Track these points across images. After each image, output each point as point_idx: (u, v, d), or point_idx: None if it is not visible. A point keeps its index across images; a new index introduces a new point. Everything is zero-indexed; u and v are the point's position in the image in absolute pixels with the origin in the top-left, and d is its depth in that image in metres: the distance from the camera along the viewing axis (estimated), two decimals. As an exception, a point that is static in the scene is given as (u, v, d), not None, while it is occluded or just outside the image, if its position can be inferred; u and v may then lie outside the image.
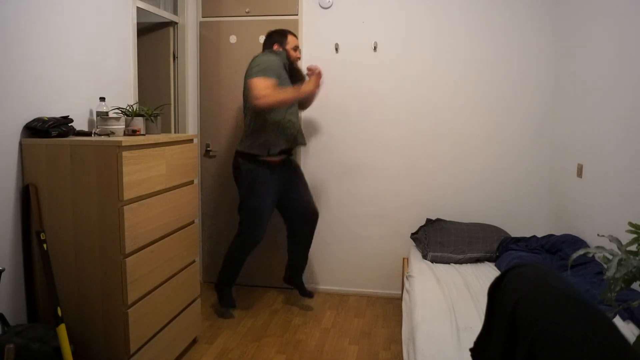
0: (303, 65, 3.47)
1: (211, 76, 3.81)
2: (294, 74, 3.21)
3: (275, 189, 3.21)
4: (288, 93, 3.02)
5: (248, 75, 3.05)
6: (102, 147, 2.05)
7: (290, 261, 3.49)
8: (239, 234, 3.24)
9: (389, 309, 3.54)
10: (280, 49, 3.18)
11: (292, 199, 3.32)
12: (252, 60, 3.10)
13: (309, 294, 3.50)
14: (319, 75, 3.09)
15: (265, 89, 2.91)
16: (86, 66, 2.51)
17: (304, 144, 3.34)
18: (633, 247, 1.35)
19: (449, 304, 2.38)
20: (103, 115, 2.39)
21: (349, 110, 3.66)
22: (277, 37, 3.20)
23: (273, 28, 3.67)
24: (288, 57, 3.19)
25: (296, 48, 3.23)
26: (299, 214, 3.34)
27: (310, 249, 3.57)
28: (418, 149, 3.62)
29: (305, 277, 3.68)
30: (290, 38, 3.21)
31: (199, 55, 3.80)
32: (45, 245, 2.07)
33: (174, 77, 3.64)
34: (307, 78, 3.19)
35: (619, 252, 1.32)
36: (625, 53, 2.41)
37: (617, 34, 2.51)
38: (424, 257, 3.20)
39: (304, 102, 3.38)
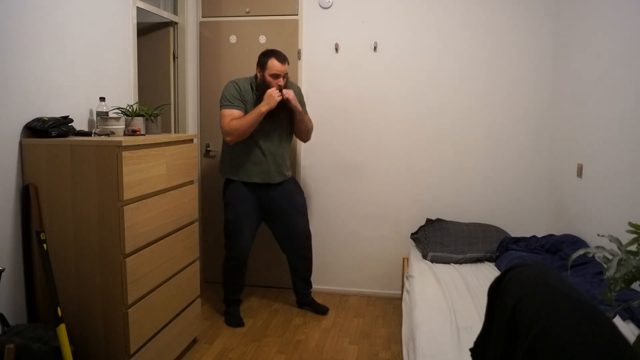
0: (305, 88, 3.52)
1: (211, 76, 3.81)
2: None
3: (250, 204, 3.18)
4: (248, 117, 2.99)
5: (219, 105, 3.12)
6: (102, 147, 2.05)
7: (294, 285, 3.49)
8: (225, 247, 3.25)
9: (389, 309, 3.54)
10: (260, 74, 3.08)
11: (281, 224, 3.29)
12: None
13: (323, 311, 3.43)
14: (282, 95, 2.99)
15: (228, 124, 2.99)
16: (86, 66, 2.51)
17: (275, 181, 3.18)
18: (633, 247, 1.35)
19: (449, 304, 2.38)
20: (103, 115, 2.39)
21: (348, 110, 3.66)
22: (260, 59, 3.08)
23: (272, 28, 3.68)
24: (264, 82, 3.04)
25: (277, 76, 3.02)
26: (289, 239, 3.32)
27: (311, 249, 3.54)
28: (418, 148, 3.62)
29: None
30: (271, 64, 3.01)
31: (199, 55, 3.80)
32: (45, 245, 2.07)
33: (174, 77, 3.64)
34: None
35: (619, 252, 1.32)
36: (625, 52, 2.41)
37: (617, 33, 2.51)
38: (424, 257, 3.20)
39: (298, 131, 3.26)
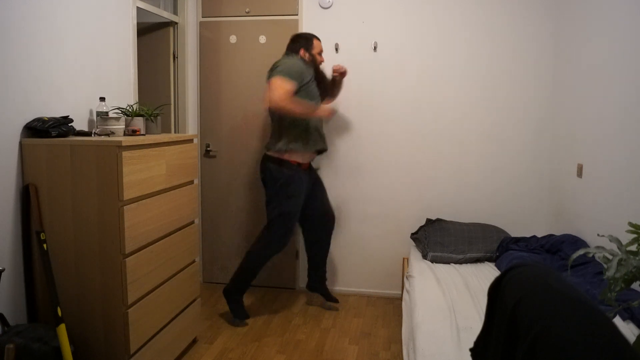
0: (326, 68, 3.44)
1: (211, 76, 3.81)
2: (319, 79, 3.25)
3: (304, 194, 3.21)
4: (302, 106, 3.01)
5: (270, 75, 3.05)
6: (102, 147, 2.05)
7: (311, 269, 3.50)
8: (267, 236, 3.17)
9: (389, 309, 3.54)
10: (306, 54, 3.18)
11: (313, 206, 3.33)
12: (276, 62, 3.10)
13: (334, 299, 3.53)
14: (342, 74, 3.30)
15: (280, 90, 2.91)
16: (86, 66, 2.51)
17: (326, 149, 3.33)
18: (633, 247, 1.35)
19: (449, 304, 2.38)
20: (103, 115, 2.39)
21: (348, 110, 3.66)
22: (303, 42, 3.20)
23: (272, 28, 3.68)
24: (314, 61, 3.20)
25: (321, 52, 3.25)
26: (319, 220, 3.36)
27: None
28: (418, 148, 3.62)
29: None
30: (315, 42, 3.22)
31: (199, 55, 3.80)
32: (45, 245, 2.07)
33: (174, 77, 3.64)
34: (330, 78, 3.33)
35: (619, 252, 1.32)
36: (625, 52, 2.41)
37: (617, 33, 2.51)
38: (424, 257, 3.20)
39: (333, 94, 3.43)
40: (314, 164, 3.38)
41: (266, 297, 3.68)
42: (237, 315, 3.21)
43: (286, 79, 2.95)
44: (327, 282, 3.56)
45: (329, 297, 3.52)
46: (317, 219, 3.37)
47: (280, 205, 3.12)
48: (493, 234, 3.27)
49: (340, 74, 3.32)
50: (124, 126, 2.40)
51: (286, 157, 3.10)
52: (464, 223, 3.42)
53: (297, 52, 3.19)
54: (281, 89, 2.92)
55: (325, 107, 3.19)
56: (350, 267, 3.80)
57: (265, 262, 3.21)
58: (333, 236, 3.73)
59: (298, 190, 3.14)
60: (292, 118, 3.05)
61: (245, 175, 3.84)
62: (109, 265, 2.09)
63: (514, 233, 3.43)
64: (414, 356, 2.04)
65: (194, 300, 2.83)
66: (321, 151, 3.28)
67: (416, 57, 3.56)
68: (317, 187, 3.36)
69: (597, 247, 1.38)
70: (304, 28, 3.64)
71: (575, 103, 3.05)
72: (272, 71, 3.04)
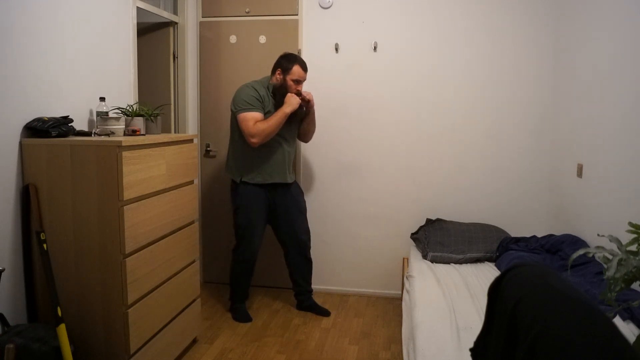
0: (305, 87, 3.35)
1: (211, 76, 3.81)
2: (278, 103, 3.14)
3: (261, 207, 3.20)
4: (273, 119, 3.02)
5: (234, 109, 3.10)
6: (102, 147, 2.05)
7: (297, 287, 3.46)
8: (235, 249, 3.32)
9: (389, 309, 3.53)
10: (279, 77, 3.11)
11: (283, 224, 3.31)
12: (237, 90, 3.15)
13: (325, 313, 3.42)
14: (303, 98, 3.13)
15: (254, 126, 2.99)
16: (86, 66, 2.51)
17: (289, 181, 3.24)
18: (633, 247, 1.35)
19: (449, 304, 2.38)
20: (103, 115, 2.39)
21: (348, 110, 3.66)
22: (283, 64, 3.12)
23: (272, 28, 3.69)
24: (284, 85, 3.11)
25: (299, 82, 3.13)
26: (289, 241, 3.35)
27: (311, 249, 3.53)
28: (418, 148, 3.62)
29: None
30: (295, 69, 3.09)
31: (199, 55, 3.80)
32: (45, 245, 2.07)
33: (174, 77, 3.64)
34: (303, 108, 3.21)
35: (619, 252, 1.32)
36: (625, 52, 2.41)
37: (617, 33, 2.51)
38: (424, 257, 3.20)
39: (307, 132, 3.35)
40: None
41: (266, 297, 3.68)
42: (238, 318, 3.29)
43: (248, 112, 3.02)
44: (314, 292, 3.54)
45: (319, 312, 3.42)
46: (294, 238, 3.33)
47: (235, 219, 3.27)
48: (493, 234, 3.27)
49: (296, 95, 3.11)
50: (124, 126, 2.40)
51: (242, 179, 3.18)
52: (464, 223, 3.42)
53: (274, 71, 3.16)
54: (253, 126, 2.99)
55: (291, 100, 3.06)
56: (350, 267, 3.80)
57: (245, 274, 3.32)
58: (333, 236, 3.74)
59: (245, 202, 3.17)
60: (243, 151, 3.13)
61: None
62: (109, 265, 2.09)
63: (514, 233, 3.43)
64: (414, 356, 2.04)
65: (194, 300, 2.83)
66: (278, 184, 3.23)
67: (416, 57, 3.55)
68: (288, 205, 3.28)
69: (597, 247, 1.38)
70: (304, 28, 3.65)
71: (575, 103, 3.04)
72: (234, 104, 3.10)
